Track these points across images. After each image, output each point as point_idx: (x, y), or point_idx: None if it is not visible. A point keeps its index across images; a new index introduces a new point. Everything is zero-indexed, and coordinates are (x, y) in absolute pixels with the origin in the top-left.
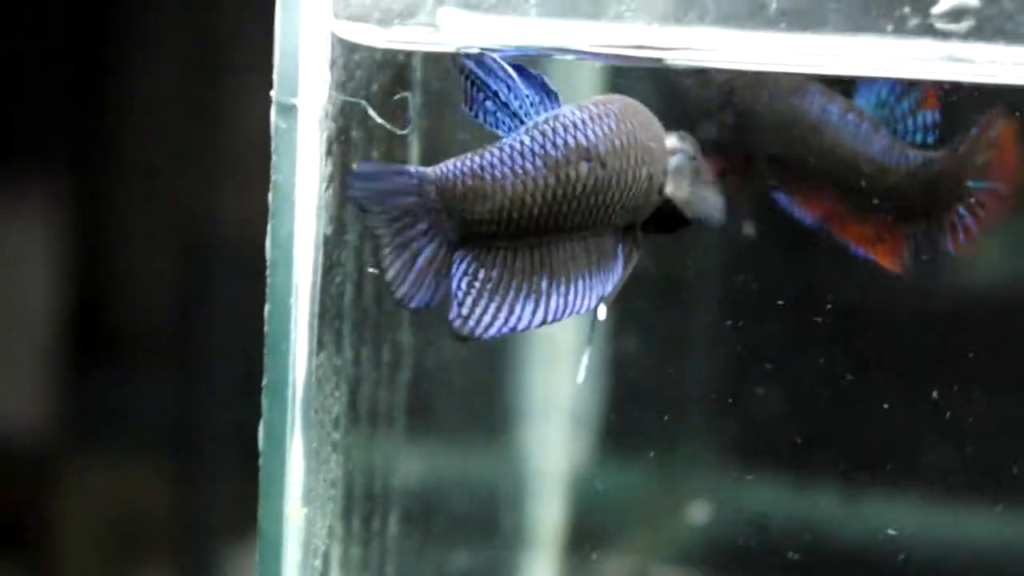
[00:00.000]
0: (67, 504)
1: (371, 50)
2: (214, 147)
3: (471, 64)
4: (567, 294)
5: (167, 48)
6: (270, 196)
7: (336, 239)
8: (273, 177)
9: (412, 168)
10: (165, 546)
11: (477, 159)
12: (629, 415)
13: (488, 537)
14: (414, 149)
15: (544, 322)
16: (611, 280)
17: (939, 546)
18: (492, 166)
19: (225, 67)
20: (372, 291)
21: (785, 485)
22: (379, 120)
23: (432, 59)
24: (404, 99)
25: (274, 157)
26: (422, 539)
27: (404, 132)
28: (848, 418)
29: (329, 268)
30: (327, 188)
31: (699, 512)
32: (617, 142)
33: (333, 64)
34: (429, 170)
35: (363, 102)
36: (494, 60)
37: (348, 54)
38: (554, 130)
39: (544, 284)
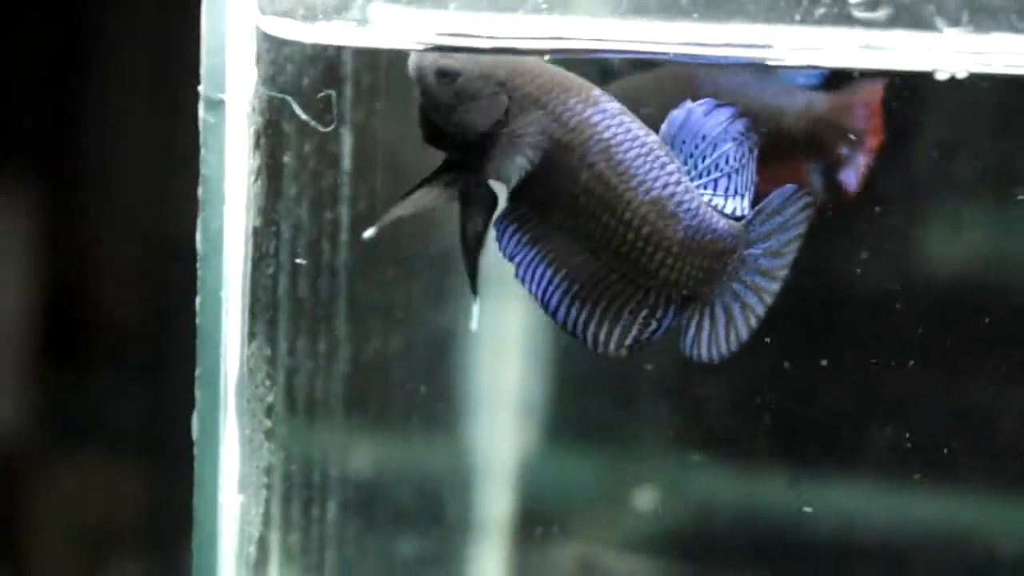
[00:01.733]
0: (39, 506)
1: (301, 45)
2: (184, 156)
3: None
4: None
5: (138, 58)
6: (199, 189)
7: (265, 231)
8: (202, 171)
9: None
10: (137, 548)
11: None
12: (577, 404)
13: (435, 526)
14: (346, 143)
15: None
16: None
17: (887, 530)
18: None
19: (196, 78)
20: (307, 283)
21: (733, 471)
22: (304, 116)
23: (363, 54)
24: (329, 96)
25: (202, 151)
26: (364, 527)
27: (328, 129)
28: (795, 404)
29: (259, 260)
30: (255, 181)
31: (647, 500)
32: None
33: (260, 59)
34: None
35: (289, 97)
36: None
37: (277, 49)
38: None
39: None
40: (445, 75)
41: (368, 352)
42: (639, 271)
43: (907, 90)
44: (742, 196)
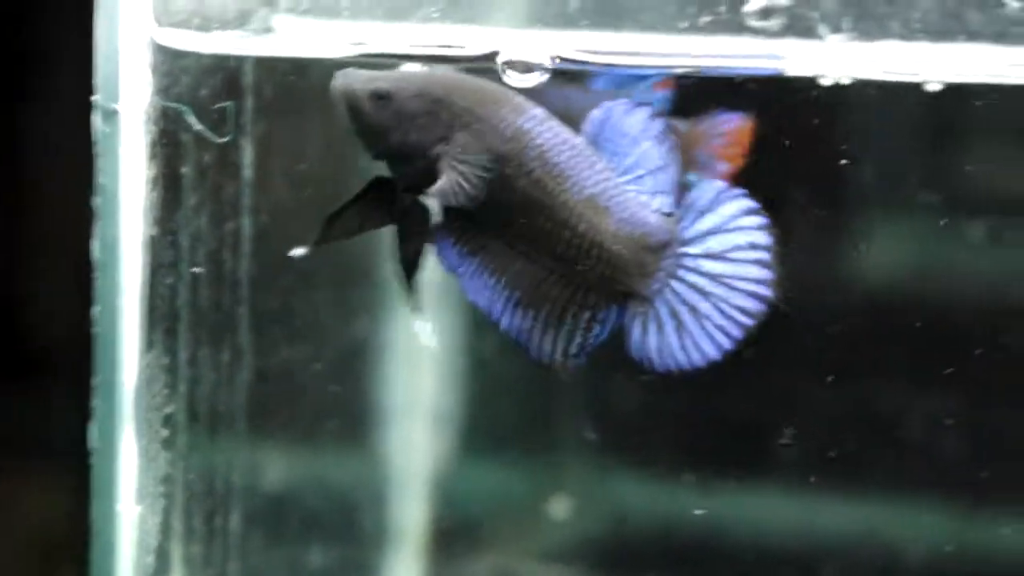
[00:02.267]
0: None
1: (198, 55)
2: None
3: None
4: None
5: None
6: (96, 199)
7: (163, 241)
8: (99, 180)
9: None
10: (76, 561)
11: None
12: (492, 413)
13: (347, 537)
14: (247, 153)
15: None
16: None
17: (797, 536)
18: None
19: None
20: (207, 293)
21: (648, 479)
22: (198, 127)
23: (266, 64)
24: (224, 108)
25: (98, 160)
26: (271, 538)
27: (224, 140)
28: (707, 411)
29: (157, 269)
30: (152, 191)
31: (563, 508)
32: None
33: (155, 69)
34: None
35: (183, 108)
36: None
37: (173, 59)
38: None
39: None
40: (380, 98)
41: (271, 363)
42: (577, 270)
43: (791, 95)
44: (666, 194)
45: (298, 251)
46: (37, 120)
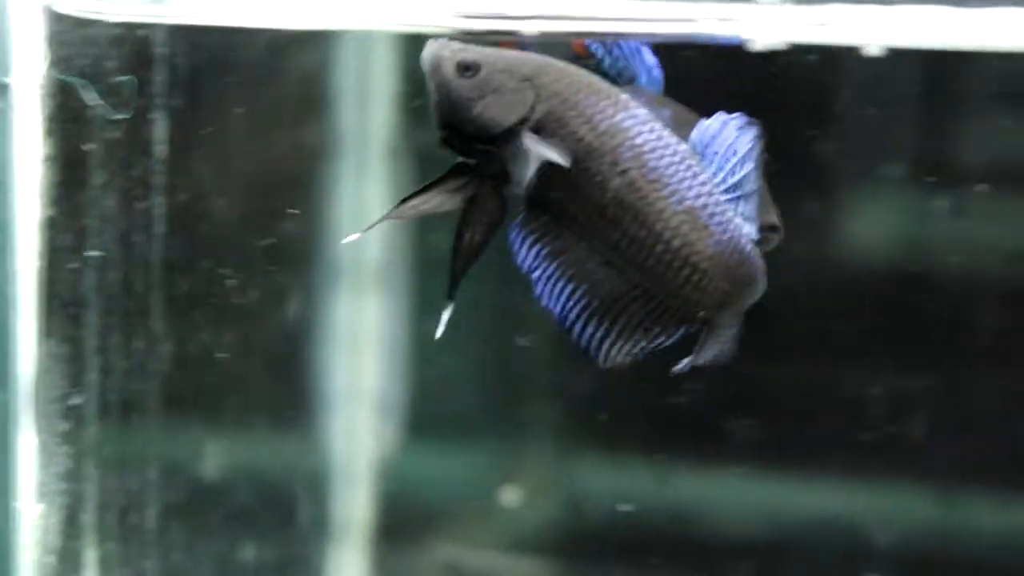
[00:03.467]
0: None
1: (104, 24)
2: None
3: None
4: None
5: None
6: None
7: (65, 222)
8: None
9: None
10: None
11: None
12: (439, 400)
13: (285, 530)
14: (159, 127)
15: None
16: None
17: (749, 520)
18: None
19: None
20: (118, 277)
21: (601, 467)
22: (95, 102)
23: (179, 33)
24: (125, 83)
25: None
26: (196, 534)
27: (120, 117)
28: (656, 394)
29: (54, 253)
30: (49, 169)
31: (513, 497)
32: None
33: (54, 40)
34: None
35: (79, 81)
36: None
37: (75, 29)
38: None
39: None
40: (467, 68)
41: (192, 349)
42: (663, 287)
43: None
44: (754, 223)
45: (351, 237)
46: None
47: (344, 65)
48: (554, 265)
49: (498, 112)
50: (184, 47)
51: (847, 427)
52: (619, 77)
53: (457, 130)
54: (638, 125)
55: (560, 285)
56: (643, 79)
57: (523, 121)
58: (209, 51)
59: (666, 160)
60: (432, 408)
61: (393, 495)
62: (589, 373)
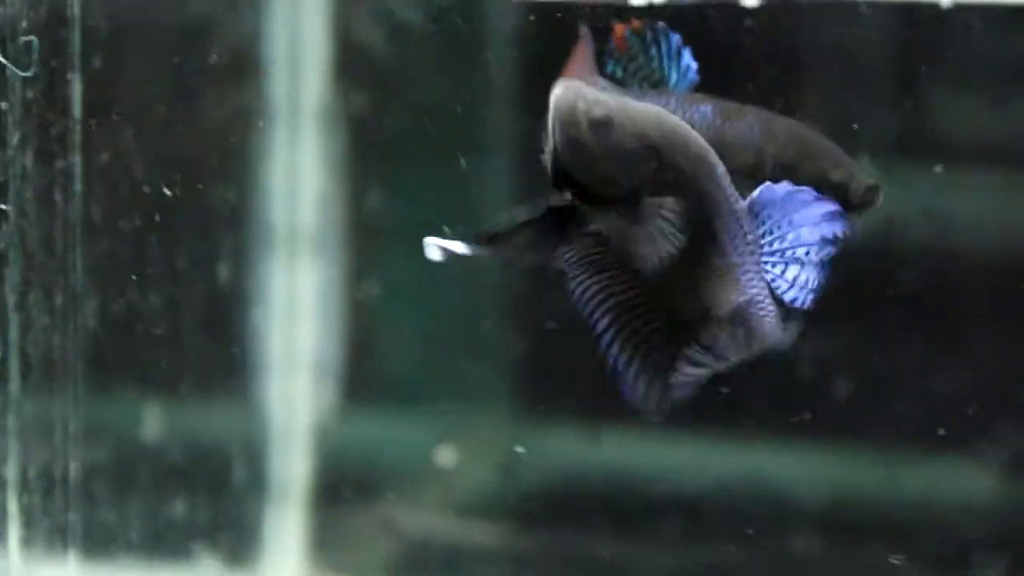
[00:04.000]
0: None
1: None
2: None
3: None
4: None
5: None
6: None
7: None
8: None
9: None
10: None
11: None
12: (376, 364)
13: (219, 490)
14: (75, 88)
15: None
16: None
17: (681, 481)
18: None
19: None
20: (38, 235)
21: (536, 428)
22: (3, 60)
23: None
24: (30, 43)
25: None
26: (123, 491)
27: (27, 74)
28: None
29: None
30: None
31: (449, 459)
32: None
33: None
34: None
35: None
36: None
37: None
38: None
39: None
40: (601, 126)
41: (115, 310)
42: (679, 324)
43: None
44: (810, 292)
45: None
46: None
47: (275, 29)
48: (588, 274)
49: (621, 177)
50: (102, 9)
51: (769, 385)
52: (646, 80)
53: (571, 177)
54: (729, 194)
55: (589, 291)
56: (674, 80)
57: (639, 188)
58: (129, 12)
59: (724, 214)
60: (369, 371)
61: (330, 457)
62: (524, 333)
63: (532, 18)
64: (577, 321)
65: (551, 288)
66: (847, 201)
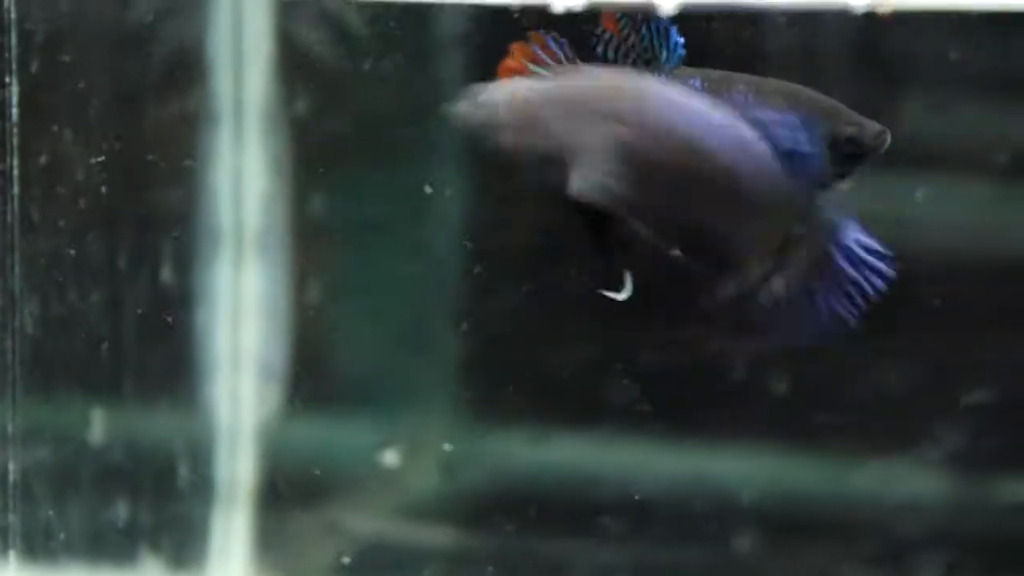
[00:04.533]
0: None
1: None
2: None
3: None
4: None
5: None
6: None
7: None
8: None
9: None
10: None
11: None
12: (318, 365)
13: (162, 492)
14: (12, 92)
15: None
16: None
17: (629, 483)
18: None
19: None
20: None
21: (479, 430)
22: None
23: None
24: None
25: None
26: (65, 493)
27: None
28: (535, 360)
29: None
30: None
31: (394, 461)
32: None
33: None
34: None
35: None
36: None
37: None
38: None
39: None
40: None
41: (53, 311)
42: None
43: None
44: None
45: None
46: None
47: (218, 31)
48: None
49: None
50: (40, 12)
51: (714, 388)
52: (639, 59)
53: None
54: None
55: None
56: (664, 57)
57: None
58: (73, 16)
59: None
60: (315, 372)
61: (276, 458)
62: (469, 336)
63: (472, 21)
64: (523, 321)
65: (496, 288)
66: (861, 148)
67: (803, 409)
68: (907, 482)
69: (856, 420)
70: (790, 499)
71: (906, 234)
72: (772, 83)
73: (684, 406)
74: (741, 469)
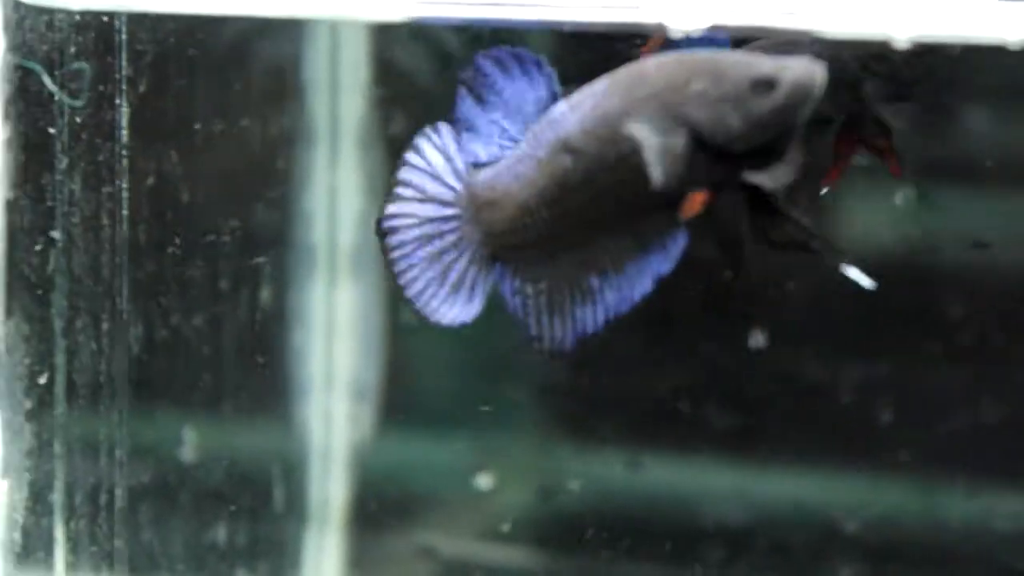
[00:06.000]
0: None
1: (68, 12)
2: None
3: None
4: (620, 286)
5: None
6: None
7: (29, 204)
8: None
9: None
10: None
11: (492, 170)
12: (412, 386)
13: (259, 513)
14: (123, 113)
15: (608, 320)
16: (669, 256)
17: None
18: (500, 175)
19: None
20: (85, 260)
21: (577, 452)
22: (52, 87)
23: (139, 20)
24: (80, 70)
25: None
26: (167, 515)
27: (78, 103)
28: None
29: (16, 234)
30: (8, 152)
31: (488, 483)
32: (588, 125)
33: (9, 25)
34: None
35: (36, 67)
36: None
37: (35, 16)
38: (540, 128)
39: (595, 282)
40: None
41: (162, 333)
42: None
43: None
44: None
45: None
46: None
47: (315, 54)
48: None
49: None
50: (148, 35)
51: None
52: None
53: None
54: None
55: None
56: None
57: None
58: (176, 38)
59: None
60: (409, 393)
61: (369, 479)
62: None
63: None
64: (619, 344)
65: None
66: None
67: (907, 436)
68: (1013, 510)
69: (959, 447)
70: (891, 526)
71: None
72: (790, 40)
73: (785, 431)
74: (841, 496)
